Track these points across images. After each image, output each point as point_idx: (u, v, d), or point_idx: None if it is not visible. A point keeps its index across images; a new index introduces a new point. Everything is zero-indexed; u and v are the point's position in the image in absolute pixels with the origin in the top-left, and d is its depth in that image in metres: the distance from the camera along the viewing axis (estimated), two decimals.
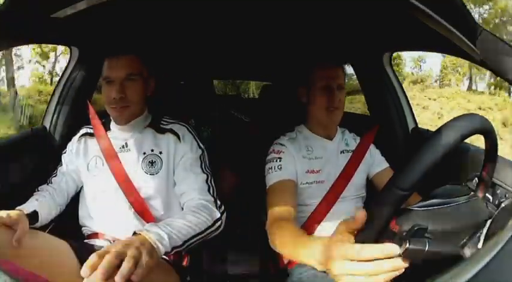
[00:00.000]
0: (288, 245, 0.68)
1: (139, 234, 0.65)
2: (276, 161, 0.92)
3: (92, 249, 0.86)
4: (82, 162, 0.95)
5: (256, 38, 1.37)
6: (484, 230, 0.50)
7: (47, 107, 1.24)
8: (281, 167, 0.91)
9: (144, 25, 1.14)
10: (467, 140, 0.51)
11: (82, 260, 0.79)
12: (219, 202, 0.88)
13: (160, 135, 0.94)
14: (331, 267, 0.47)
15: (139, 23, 1.11)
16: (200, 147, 0.95)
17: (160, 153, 0.92)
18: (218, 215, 0.85)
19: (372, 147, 1.04)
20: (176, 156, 0.92)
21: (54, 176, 0.97)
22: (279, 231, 0.74)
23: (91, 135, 0.98)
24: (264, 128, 1.13)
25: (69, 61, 1.23)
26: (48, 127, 1.19)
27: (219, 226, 0.84)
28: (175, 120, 0.98)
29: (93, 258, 0.53)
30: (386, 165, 1.03)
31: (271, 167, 0.92)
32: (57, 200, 0.93)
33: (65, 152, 1.00)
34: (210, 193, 0.89)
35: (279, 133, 1.02)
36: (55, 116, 1.21)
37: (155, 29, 1.21)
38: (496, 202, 0.58)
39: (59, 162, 1.00)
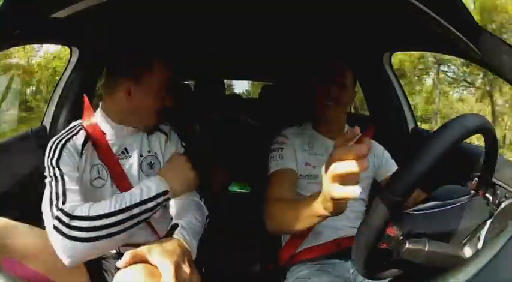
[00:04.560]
0: (288, 211, 0.70)
1: (178, 240, 0.68)
2: (278, 150, 0.95)
3: None
4: (85, 173, 0.81)
5: (257, 39, 1.37)
6: (484, 230, 0.50)
7: (47, 107, 1.24)
8: (282, 156, 0.93)
9: (144, 25, 1.14)
10: (467, 140, 0.51)
11: (88, 262, 0.79)
12: (203, 199, 0.89)
13: (150, 135, 0.90)
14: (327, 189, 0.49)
15: (140, 23, 1.11)
16: (183, 147, 0.94)
17: (156, 154, 0.90)
18: (207, 212, 0.86)
19: (380, 150, 1.02)
20: (165, 157, 0.90)
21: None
22: (278, 207, 0.76)
23: (89, 140, 0.83)
24: (266, 129, 1.12)
25: (69, 61, 1.23)
26: (48, 127, 1.19)
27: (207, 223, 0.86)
28: None
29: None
30: (395, 169, 1.01)
31: (273, 156, 0.94)
32: None
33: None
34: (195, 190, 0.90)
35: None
36: (55, 116, 1.21)
37: (155, 29, 1.21)
38: (496, 202, 0.58)
39: None
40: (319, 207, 0.57)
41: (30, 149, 1.07)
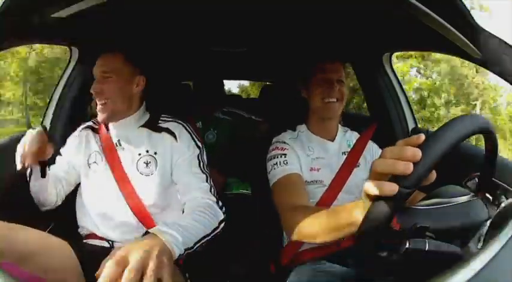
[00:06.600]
0: (317, 220, 0.65)
1: (154, 234, 0.64)
2: (281, 156, 0.90)
3: (92, 249, 0.86)
4: (82, 156, 0.96)
5: (257, 38, 1.37)
6: (484, 230, 0.50)
7: (47, 107, 1.24)
8: (287, 162, 0.89)
9: (144, 25, 1.14)
10: (467, 140, 0.51)
11: (82, 261, 0.79)
12: (220, 203, 0.87)
13: (156, 134, 0.93)
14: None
15: (140, 23, 1.11)
16: (198, 146, 0.93)
17: (155, 153, 0.91)
18: (222, 216, 0.84)
19: (376, 148, 1.02)
20: (173, 156, 0.91)
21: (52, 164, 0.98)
22: (300, 215, 0.70)
23: (94, 129, 0.99)
24: (274, 126, 1.11)
25: (69, 61, 1.23)
26: (48, 127, 1.19)
27: (222, 227, 0.83)
28: (173, 118, 0.97)
29: (111, 268, 0.53)
30: None
31: (276, 163, 0.89)
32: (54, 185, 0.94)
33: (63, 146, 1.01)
34: (211, 193, 0.88)
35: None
36: (55, 116, 1.21)
37: (155, 29, 1.21)
38: (496, 202, 0.58)
39: None
40: (356, 212, 0.54)
41: None
